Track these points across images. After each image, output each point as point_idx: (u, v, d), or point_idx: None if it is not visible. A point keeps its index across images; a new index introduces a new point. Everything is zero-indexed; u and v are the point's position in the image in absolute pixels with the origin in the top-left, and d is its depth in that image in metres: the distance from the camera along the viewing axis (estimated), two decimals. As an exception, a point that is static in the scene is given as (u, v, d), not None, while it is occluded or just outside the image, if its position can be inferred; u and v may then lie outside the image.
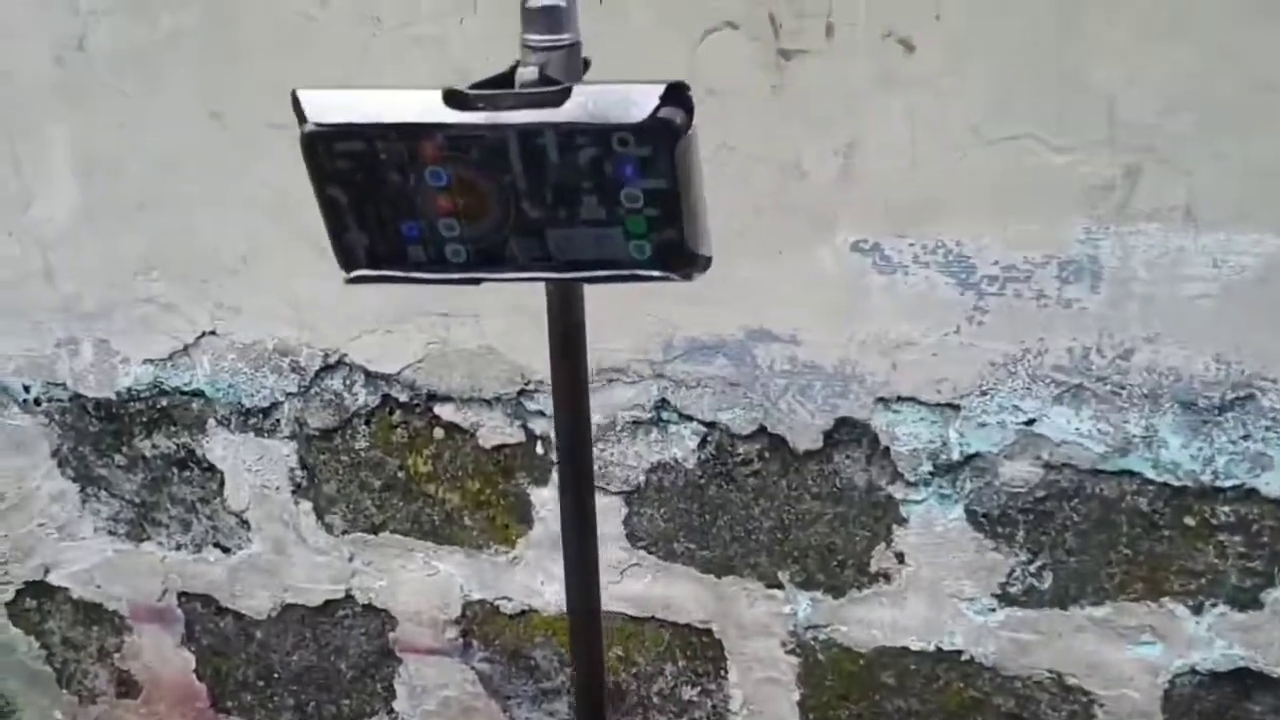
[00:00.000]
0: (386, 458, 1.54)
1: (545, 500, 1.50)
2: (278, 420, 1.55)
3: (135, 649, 1.77)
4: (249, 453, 1.58)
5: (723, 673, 1.53)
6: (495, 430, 1.48)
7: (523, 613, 1.58)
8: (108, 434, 1.63)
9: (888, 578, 1.41)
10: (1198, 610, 1.30)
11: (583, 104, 0.52)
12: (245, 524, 1.63)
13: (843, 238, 1.27)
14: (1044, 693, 1.40)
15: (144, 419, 1.61)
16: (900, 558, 1.39)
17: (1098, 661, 1.36)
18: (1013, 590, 1.37)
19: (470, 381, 1.46)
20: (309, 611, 1.66)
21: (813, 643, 1.46)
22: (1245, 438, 1.22)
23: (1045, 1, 1.12)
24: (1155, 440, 1.25)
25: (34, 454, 1.67)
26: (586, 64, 0.68)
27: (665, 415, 1.42)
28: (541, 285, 0.72)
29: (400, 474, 1.54)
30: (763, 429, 1.38)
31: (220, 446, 1.59)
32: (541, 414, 1.45)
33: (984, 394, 1.29)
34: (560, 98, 0.52)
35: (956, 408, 1.31)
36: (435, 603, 1.60)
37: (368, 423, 1.52)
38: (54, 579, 1.76)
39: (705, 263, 0.58)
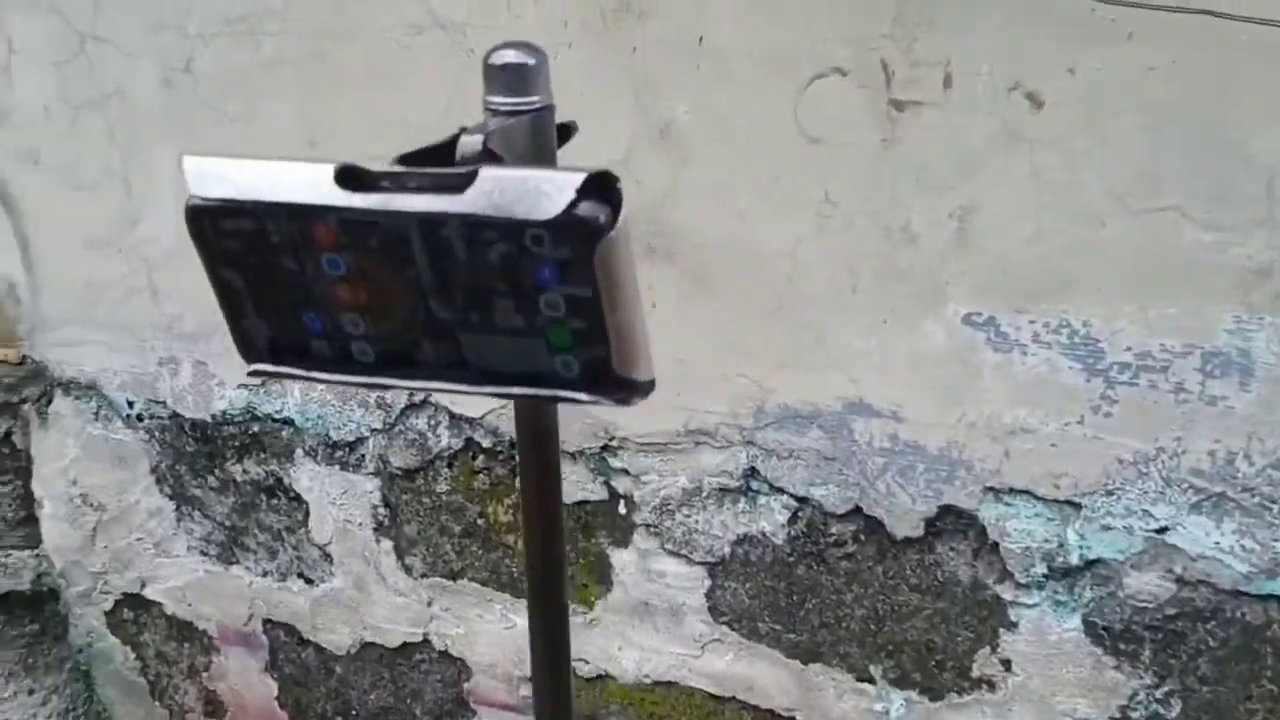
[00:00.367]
0: (467, 503, 1.47)
1: (625, 563, 1.41)
2: (363, 455, 1.50)
3: (222, 670, 1.76)
4: (334, 486, 1.54)
5: (806, 766, 1.40)
6: (577, 485, 1.40)
7: (599, 677, 1.49)
8: (202, 455, 1.62)
9: (991, 685, 1.26)
10: (1353, 765, 1.12)
11: (488, 193, 0.42)
12: (328, 557, 1.60)
13: (954, 309, 1.14)
14: (1164, 834, 1.23)
15: (236, 443, 1.59)
16: (1007, 665, 1.25)
17: (1229, 808, 1.19)
18: (1135, 716, 1.20)
19: (553, 433, 1.38)
20: (387, 652, 1.62)
21: (904, 746, 1.33)
22: None
23: (1200, 57, 0.97)
24: (1309, 566, 1.07)
25: (135, 469, 1.68)
26: (567, 132, 0.59)
27: (754, 485, 1.31)
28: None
29: (480, 521, 1.47)
30: (858, 509, 1.26)
31: (307, 477, 1.56)
32: (625, 472, 1.36)
33: (1110, 494, 1.14)
34: (463, 183, 0.43)
35: (1077, 506, 1.16)
36: (511, 657, 1.53)
37: (450, 465, 1.46)
38: (149, 593, 1.76)
39: (645, 388, 0.48)
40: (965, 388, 1.16)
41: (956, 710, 1.29)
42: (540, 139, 0.57)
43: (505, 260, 0.43)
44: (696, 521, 1.35)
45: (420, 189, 0.43)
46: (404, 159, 0.51)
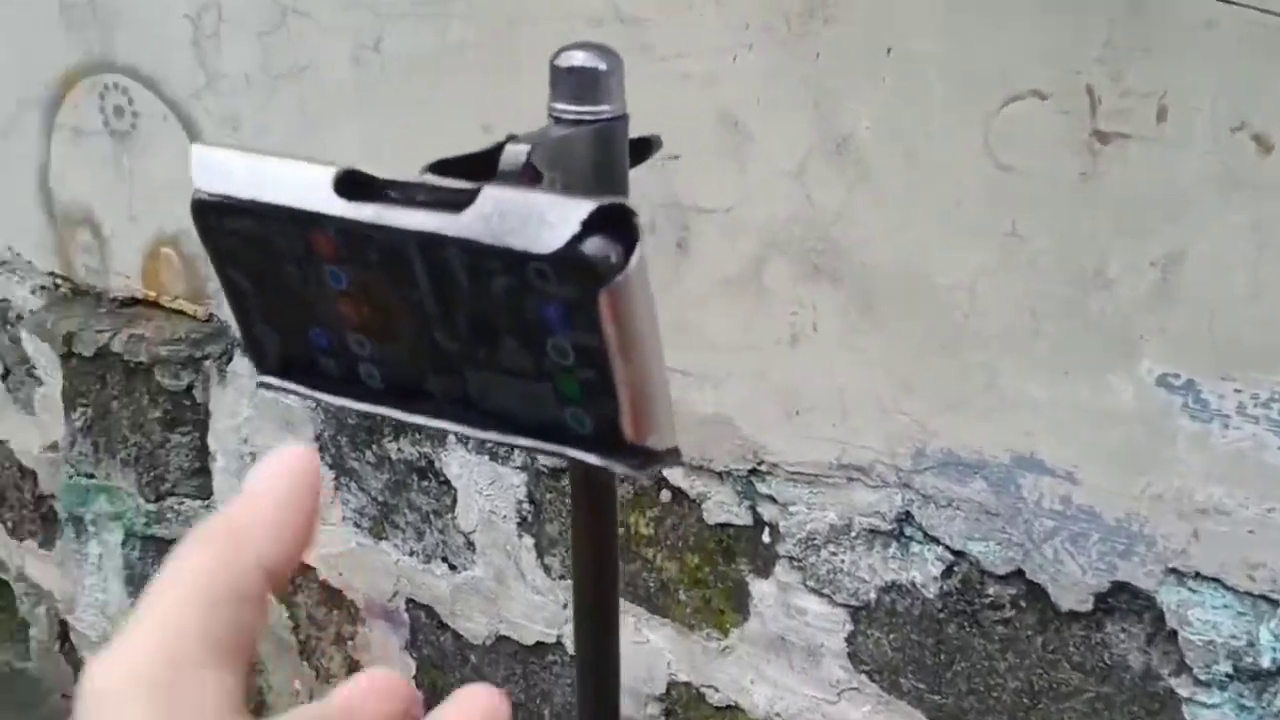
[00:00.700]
0: (611, 511, 1.43)
1: (765, 594, 1.33)
2: (512, 448, 1.48)
3: (366, 642, 1.78)
4: (483, 476, 1.52)
5: (938, 836, 1.30)
6: (721, 506, 1.33)
7: (729, 707, 1.42)
8: (362, 429, 1.63)
9: (1153, 786, 1.13)
10: None
11: (485, 216, 0.35)
12: (471, 545, 1.58)
13: (1148, 367, 1.01)
14: None
15: (393, 421, 1.59)
16: (1173, 766, 1.11)
17: None
18: (1318, 847, 1.05)
19: (701, 449, 1.32)
20: (521, 648, 1.59)
21: (1048, 835, 1.21)
22: None
23: None
24: None
25: (300, 435, 1.71)
26: (646, 147, 0.52)
27: (908, 531, 1.21)
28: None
29: (620, 530, 1.43)
30: (1020, 572, 1.15)
31: (457, 464, 1.54)
32: (773, 500, 1.29)
33: (1313, 595, 0.99)
34: (463, 201, 0.36)
35: (1274, 603, 1.02)
36: (641, 674, 1.48)
37: (597, 470, 1.42)
38: (305, 557, 1.79)
39: (664, 458, 0.40)
40: (1153, 456, 1.03)
41: (1111, 806, 1.16)
42: (605, 154, 0.50)
43: (509, 294, 0.37)
44: (843, 561, 1.26)
45: (424, 204, 0.37)
46: (436, 167, 0.46)
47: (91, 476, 1.88)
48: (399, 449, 1.60)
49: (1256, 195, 0.92)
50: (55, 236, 1.91)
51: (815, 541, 1.27)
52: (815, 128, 1.12)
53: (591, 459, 0.39)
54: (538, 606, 1.54)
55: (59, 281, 1.95)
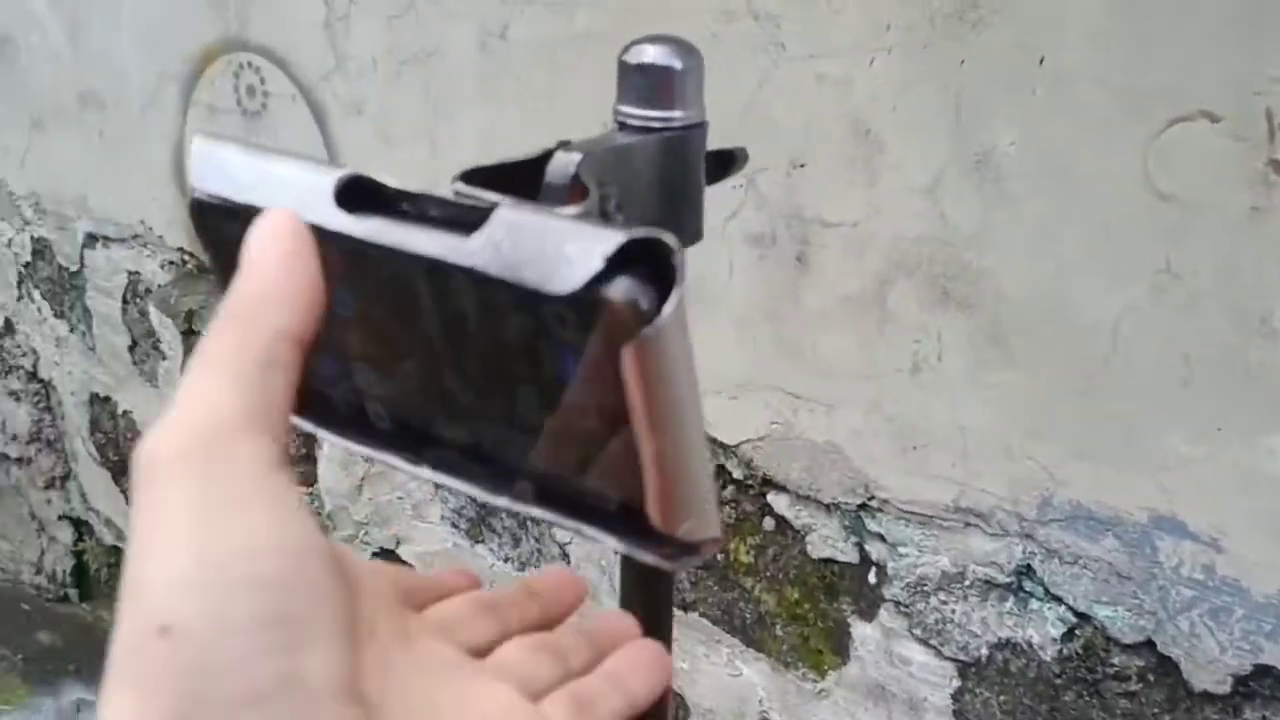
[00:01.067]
0: (710, 533, 1.36)
1: (867, 638, 1.24)
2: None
3: (456, 643, 1.75)
4: (582, 485, 1.47)
5: None
6: (826, 541, 1.25)
7: (820, 753, 1.33)
8: (465, 427, 1.60)
9: None
10: None
11: (496, 243, 0.29)
12: (566, 557, 1.53)
13: (1315, 430, 0.90)
14: None
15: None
16: None
17: None
18: None
19: (810, 478, 1.24)
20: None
21: None
22: None
23: None
24: None
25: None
26: (730, 161, 0.45)
27: (1028, 586, 1.11)
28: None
29: (720, 556, 1.35)
30: (1150, 643, 1.04)
31: (557, 471, 1.49)
32: (882, 538, 1.20)
33: None
34: (475, 221, 0.30)
35: None
36: (732, 708, 1.40)
37: (698, 490, 1.35)
38: (403, 552, 1.77)
39: (699, 549, 0.33)
40: (1314, 529, 0.92)
41: None
42: (675, 168, 0.43)
43: (523, 336, 0.30)
44: (954, 611, 1.17)
45: (435, 221, 0.31)
46: (469, 175, 0.39)
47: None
48: (500, 450, 1.56)
49: None
50: (185, 213, 1.92)
51: (925, 587, 1.18)
52: (953, 141, 1.03)
53: (612, 542, 0.32)
54: (629, 625, 1.48)
55: (186, 258, 1.97)
